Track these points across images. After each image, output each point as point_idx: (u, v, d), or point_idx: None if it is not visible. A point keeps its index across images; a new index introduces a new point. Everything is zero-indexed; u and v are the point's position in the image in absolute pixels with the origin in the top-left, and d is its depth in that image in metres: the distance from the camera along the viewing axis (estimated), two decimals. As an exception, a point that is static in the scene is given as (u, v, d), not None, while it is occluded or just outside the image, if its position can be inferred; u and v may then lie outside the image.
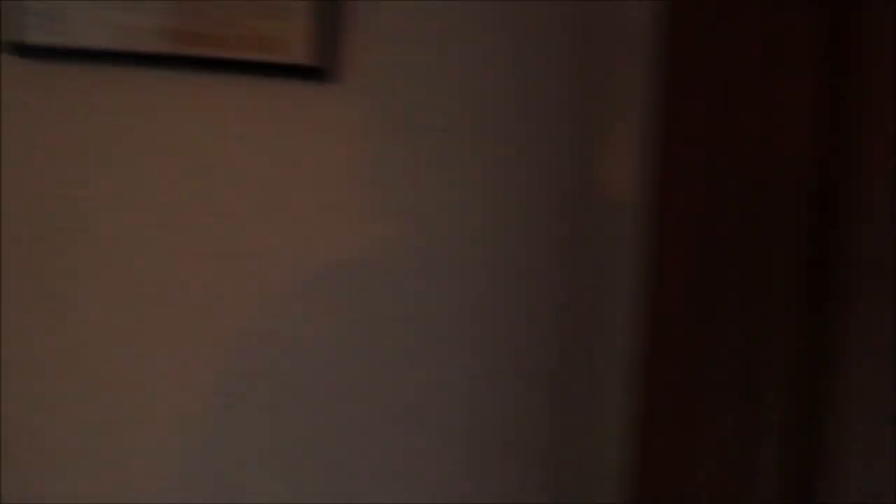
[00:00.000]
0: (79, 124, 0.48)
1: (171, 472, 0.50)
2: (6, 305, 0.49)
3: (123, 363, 0.49)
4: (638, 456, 0.37)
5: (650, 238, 0.37)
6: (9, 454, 0.52)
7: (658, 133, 0.36)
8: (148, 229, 0.48)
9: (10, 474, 0.52)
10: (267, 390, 0.50)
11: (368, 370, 0.49)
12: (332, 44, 0.44)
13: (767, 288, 0.32)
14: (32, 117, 0.48)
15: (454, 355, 0.49)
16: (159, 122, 0.47)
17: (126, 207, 0.49)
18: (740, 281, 0.33)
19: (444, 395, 0.49)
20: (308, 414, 0.50)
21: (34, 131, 0.48)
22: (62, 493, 0.50)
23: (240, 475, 0.50)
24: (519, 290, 0.48)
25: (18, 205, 0.48)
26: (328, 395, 0.50)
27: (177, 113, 0.47)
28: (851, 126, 0.29)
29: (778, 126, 0.31)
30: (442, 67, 0.46)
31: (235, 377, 0.50)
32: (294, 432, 0.50)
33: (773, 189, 0.31)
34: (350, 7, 0.44)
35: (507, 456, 0.49)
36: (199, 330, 0.49)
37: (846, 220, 0.30)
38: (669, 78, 0.35)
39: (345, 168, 0.47)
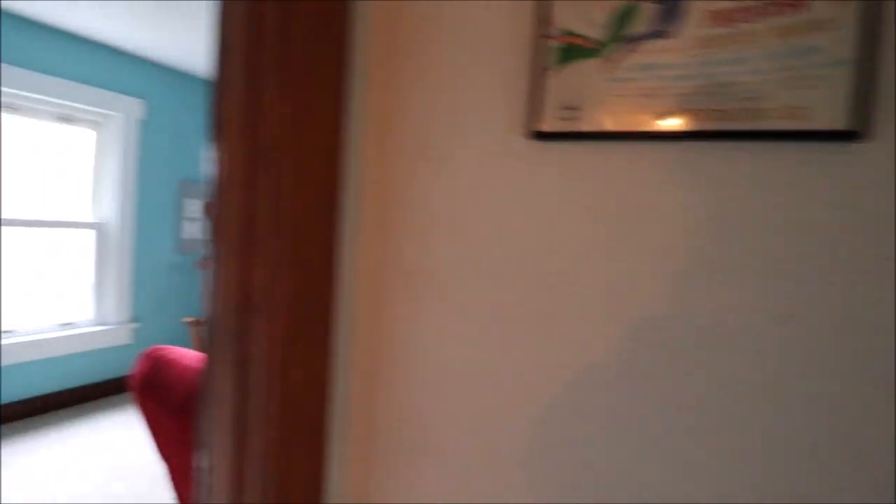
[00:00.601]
0: (579, 192, 0.56)
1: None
2: (474, 319, 0.61)
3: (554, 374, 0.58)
4: None
5: None
6: (418, 450, 0.65)
7: None
8: (636, 279, 0.53)
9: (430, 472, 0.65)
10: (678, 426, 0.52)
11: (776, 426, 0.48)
12: (864, 105, 0.43)
13: None
14: (545, 186, 0.57)
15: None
16: (665, 187, 0.51)
17: (611, 258, 0.54)
18: None
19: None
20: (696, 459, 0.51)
21: (544, 197, 0.57)
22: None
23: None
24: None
25: (518, 254, 0.59)
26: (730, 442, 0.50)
27: (681, 178, 0.51)
28: None
29: None
30: None
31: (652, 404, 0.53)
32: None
33: None
34: (887, 66, 0.42)
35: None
36: (628, 363, 0.53)
37: None
38: None
39: (872, 221, 0.45)
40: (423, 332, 0.65)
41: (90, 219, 3.38)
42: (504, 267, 0.59)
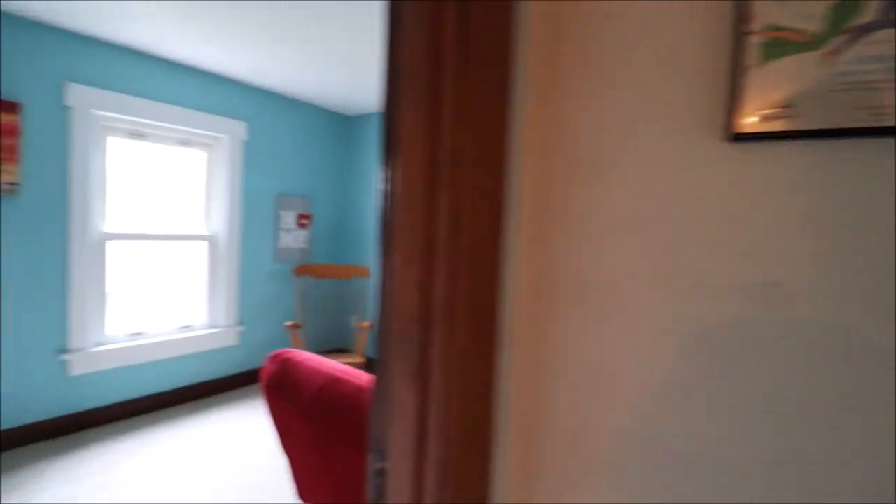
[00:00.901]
0: (791, 196, 0.52)
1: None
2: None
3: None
4: None
5: None
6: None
7: None
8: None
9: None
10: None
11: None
12: None
13: None
14: (747, 191, 0.55)
15: None
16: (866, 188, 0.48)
17: (832, 266, 0.50)
18: None
19: None
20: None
21: (746, 203, 0.55)
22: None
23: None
24: None
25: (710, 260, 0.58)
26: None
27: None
28: None
29: None
30: None
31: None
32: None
33: None
34: None
35: None
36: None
37: None
38: None
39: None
40: (590, 343, 0.64)
41: (203, 231, 3.73)
42: (693, 276, 0.57)
